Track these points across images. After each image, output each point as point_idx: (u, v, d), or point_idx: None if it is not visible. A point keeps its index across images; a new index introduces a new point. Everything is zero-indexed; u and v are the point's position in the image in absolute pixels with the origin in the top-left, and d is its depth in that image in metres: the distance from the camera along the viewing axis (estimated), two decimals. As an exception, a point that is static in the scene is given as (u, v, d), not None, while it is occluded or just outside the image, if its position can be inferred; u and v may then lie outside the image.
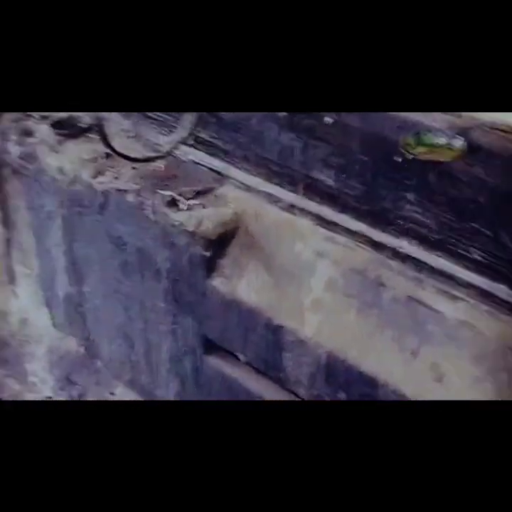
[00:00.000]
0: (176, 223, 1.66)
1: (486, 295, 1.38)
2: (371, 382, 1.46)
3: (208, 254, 1.65)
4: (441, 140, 1.28)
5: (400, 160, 1.37)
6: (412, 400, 1.39)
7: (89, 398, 2.10)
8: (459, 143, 1.26)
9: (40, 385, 2.21)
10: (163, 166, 1.76)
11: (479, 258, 1.37)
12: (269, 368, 1.64)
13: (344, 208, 1.55)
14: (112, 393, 2.11)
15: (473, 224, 1.34)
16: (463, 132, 1.27)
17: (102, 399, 2.05)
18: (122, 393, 2.10)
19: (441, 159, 1.30)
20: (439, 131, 1.28)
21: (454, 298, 1.42)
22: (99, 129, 1.52)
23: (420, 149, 1.31)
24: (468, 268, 1.40)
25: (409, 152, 1.33)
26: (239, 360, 1.72)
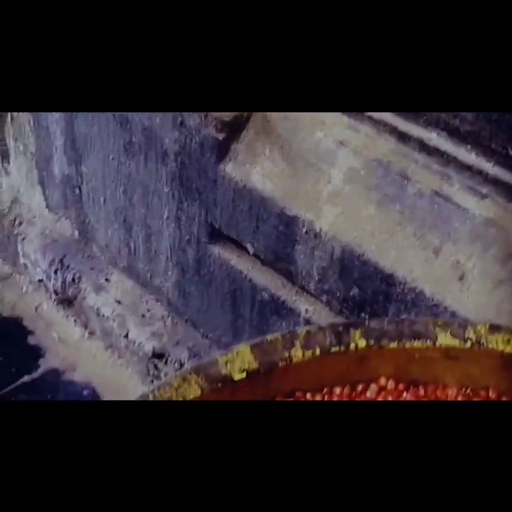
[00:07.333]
0: (189, 102, 1.56)
1: (517, 194, 1.32)
2: (388, 278, 1.41)
3: (220, 137, 1.56)
4: None
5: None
6: (430, 297, 1.35)
7: (84, 283, 2.04)
8: None
9: (32, 267, 2.15)
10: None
11: (514, 154, 1.30)
12: (279, 260, 1.58)
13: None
14: (107, 280, 2.05)
15: (515, 117, 1.26)
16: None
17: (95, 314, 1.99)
18: (118, 280, 2.04)
19: None
20: None
21: (482, 195, 1.36)
22: None
23: None
24: (500, 164, 1.33)
25: None
26: (246, 251, 1.66)
